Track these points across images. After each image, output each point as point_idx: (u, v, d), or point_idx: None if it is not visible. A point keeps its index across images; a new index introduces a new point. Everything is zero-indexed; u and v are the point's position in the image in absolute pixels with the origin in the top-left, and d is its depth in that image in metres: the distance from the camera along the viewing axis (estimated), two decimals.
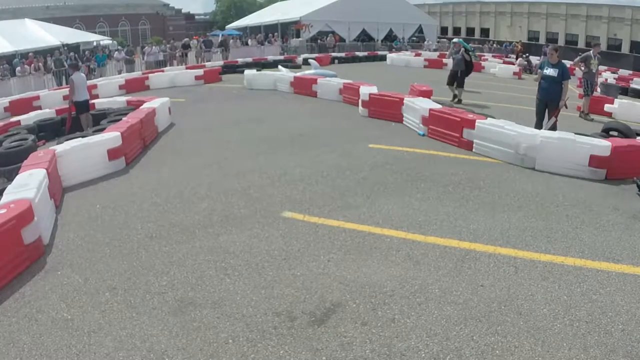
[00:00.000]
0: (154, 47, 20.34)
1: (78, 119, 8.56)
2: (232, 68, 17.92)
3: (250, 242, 3.84)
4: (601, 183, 5.31)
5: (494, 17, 45.92)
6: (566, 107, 6.91)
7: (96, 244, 3.87)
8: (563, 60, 6.93)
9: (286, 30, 30.41)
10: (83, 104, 8.49)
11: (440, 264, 3.45)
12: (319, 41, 27.03)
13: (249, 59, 20.22)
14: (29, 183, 4.06)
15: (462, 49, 10.87)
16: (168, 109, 8.91)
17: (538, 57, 24.46)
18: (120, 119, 7.12)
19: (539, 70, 7.17)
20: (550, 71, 6.74)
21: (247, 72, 13.93)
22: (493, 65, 20.98)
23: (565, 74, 6.68)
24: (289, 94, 12.27)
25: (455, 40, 11.99)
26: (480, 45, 34.07)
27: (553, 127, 6.69)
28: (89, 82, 10.46)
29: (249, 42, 25.28)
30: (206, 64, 19.29)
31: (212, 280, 3.26)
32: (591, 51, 10.28)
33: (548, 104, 6.84)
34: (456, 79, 10.85)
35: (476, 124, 6.36)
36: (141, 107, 8.10)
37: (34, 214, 3.61)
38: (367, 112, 9.09)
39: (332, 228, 4.07)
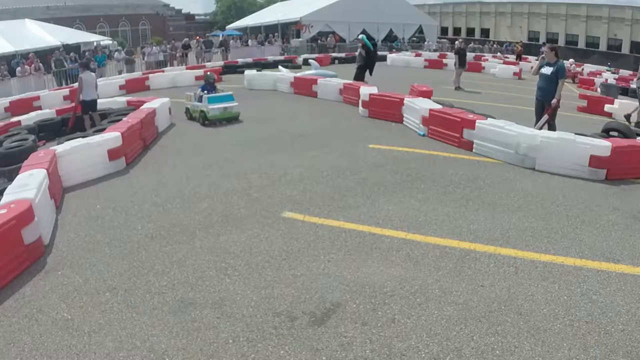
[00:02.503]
0: (154, 47, 20.35)
1: (81, 118, 8.54)
2: (233, 68, 17.94)
3: (250, 242, 3.84)
4: (601, 183, 5.31)
5: (494, 18, 45.94)
6: (558, 107, 6.84)
7: (96, 244, 3.87)
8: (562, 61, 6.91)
9: (286, 30, 30.44)
10: (90, 103, 8.48)
11: (440, 264, 3.45)
12: (319, 41, 27.05)
13: (249, 60, 20.24)
14: (29, 183, 4.06)
15: (360, 45, 11.17)
16: (168, 109, 8.91)
17: (536, 58, 24.57)
18: (121, 119, 7.13)
19: (537, 62, 7.13)
20: (546, 70, 6.73)
21: (247, 72, 13.94)
22: (493, 65, 21.01)
23: (560, 72, 6.65)
24: (289, 94, 12.27)
25: (359, 36, 12.35)
26: (481, 46, 34.11)
27: (552, 127, 6.67)
28: None
29: (249, 42, 25.30)
30: (206, 64, 19.31)
31: (212, 281, 3.26)
32: None
33: (546, 103, 6.82)
34: (356, 75, 11.26)
35: (476, 124, 6.36)
36: (141, 107, 8.11)
37: (34, 214, 3.61)
38: (367, 112, 9.09)
39: (332, 228, 4.07)
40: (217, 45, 23.75)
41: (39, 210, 3.75)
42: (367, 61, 11.20)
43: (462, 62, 13.98)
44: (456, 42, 15.22)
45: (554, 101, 6.65)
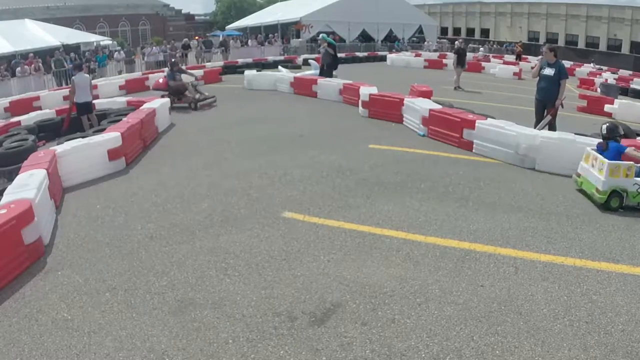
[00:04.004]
0: (154, 47, 20.36)
1: (79, 120, 8.52)
2: (232, 68, 17.95)
3: (250, 242, 3.84)
4: None
5: (494, 18, 45.96)
6: (562, 107, 6.85)
7: (96, 244, 3.87)
8: (563, 61, 6.91)
9: (286, 30, 30.43)
10: (83, 105, 8.39)
11: (440, 264, 3.45)
12: (319, 41, 27.05)
13: (249, 60, 20.24)
14: (29, 183, 4.06)
15: (325, 44, 11.67)
16: (168, 110, 8.91)
17: (537, 58, 24.63)
18: (121, 120, 7.12)
19: (537, 64, 7.11)
20: (547, 70, 6.71)
21: (247, 72, 13.94)
22: (493, 65, 21.02)
23: (562, 72, 6.64)
24: (289, 94, 12.27)
25: (320, 36, 12.81)
26: (480, 46, 34.12)
27: (552, 128, 6.67)
28: None
29: (249, 42, 25.30)
30: (206, 64, 19.31)
31: (212, 281, 3.26)
32: None
33: (547, 104, 6.81)
34: (323, 72, 11.79)
35: (476, 124, 6.37)
36: (141, 107, 8.10)
37: (34, 214, 3.61)
38: (367, 112, 9.10)
39: (332, 228, 4.07)
40: (217, 45, 23.75)
41: (39, 210, 3.75)
42: (335, 59, 11.91)
43: (461, 62, 13.96)
44: (456, 42, 15.21)
45: (557, 102, 6.64)
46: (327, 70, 11.96)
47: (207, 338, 2.65)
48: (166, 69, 12.20)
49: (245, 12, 44.59)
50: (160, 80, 11.22)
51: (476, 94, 13.07)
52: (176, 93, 10.53)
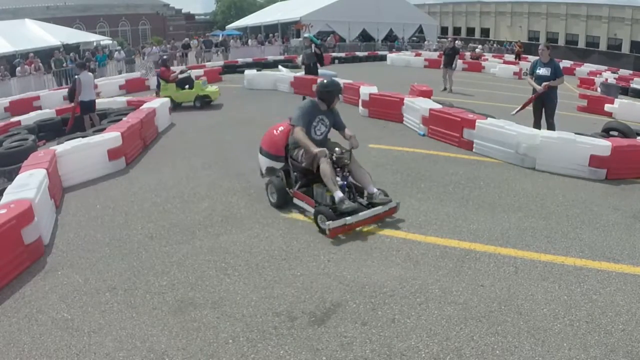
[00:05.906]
0: (154, 47, 20.37)
1: (81, 119, 8.52)
2: (233, 68, 17.97)
3: (250, 242, 3.84)
4: (601, 183, 5.31)
5: (494, 17, 45.97)
6: (543, 89, 6.61)
7: (96, 244, 3.87)
8: (563, 60, 6.85)
9: (286, 30, 30.45)
10: (87, 104, 8.40)
11: (440, 264, 3.45)
12: (303, 40, 27.07)
13: (249, 59, 20.26)
14: (29, 183, 4.06)
15: (312, 44, 11.75)
16: (168, 109, 8.91)
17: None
18: (121, 119, 7.12)
19: (531, 76, 6.92)
20: (543, 70, 6.63)
21: (247, 72, 13.94)
22: (493, 65, 21.00)
23: (558, 72, 6.60)
24: (289, 94, 12.28)
25: (305, 35, 12.92)
26: (481, 45, 34.12)
27: (552, 127, 6.64)
28: None
29: (249, 42, 25.31)
30: (206, 64, 19.32)
31: (212, 280, 3.26)
32: None
33: (545, 103, 6.78)
34: (309, 71, 11.80)
35: (476, 124, 6.36)
36: (141, 107, 8.11)
37: (34, 214, 3.61)
38: (367, 112, 9.10)
39: None
40: (217, 44, 23.76)
41: (39, 210, 3.75)
42: (320, 58, 11.97)
43: (449, 62, 13.11)
44: (457, 41, 15.05)
45: (545, 84, 6.49)
46: (312, 68, 12.04)
47: (207, 338, 2.65)
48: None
49: (245, 12, 44.62)
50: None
51: (476, 94, 13.05)
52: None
